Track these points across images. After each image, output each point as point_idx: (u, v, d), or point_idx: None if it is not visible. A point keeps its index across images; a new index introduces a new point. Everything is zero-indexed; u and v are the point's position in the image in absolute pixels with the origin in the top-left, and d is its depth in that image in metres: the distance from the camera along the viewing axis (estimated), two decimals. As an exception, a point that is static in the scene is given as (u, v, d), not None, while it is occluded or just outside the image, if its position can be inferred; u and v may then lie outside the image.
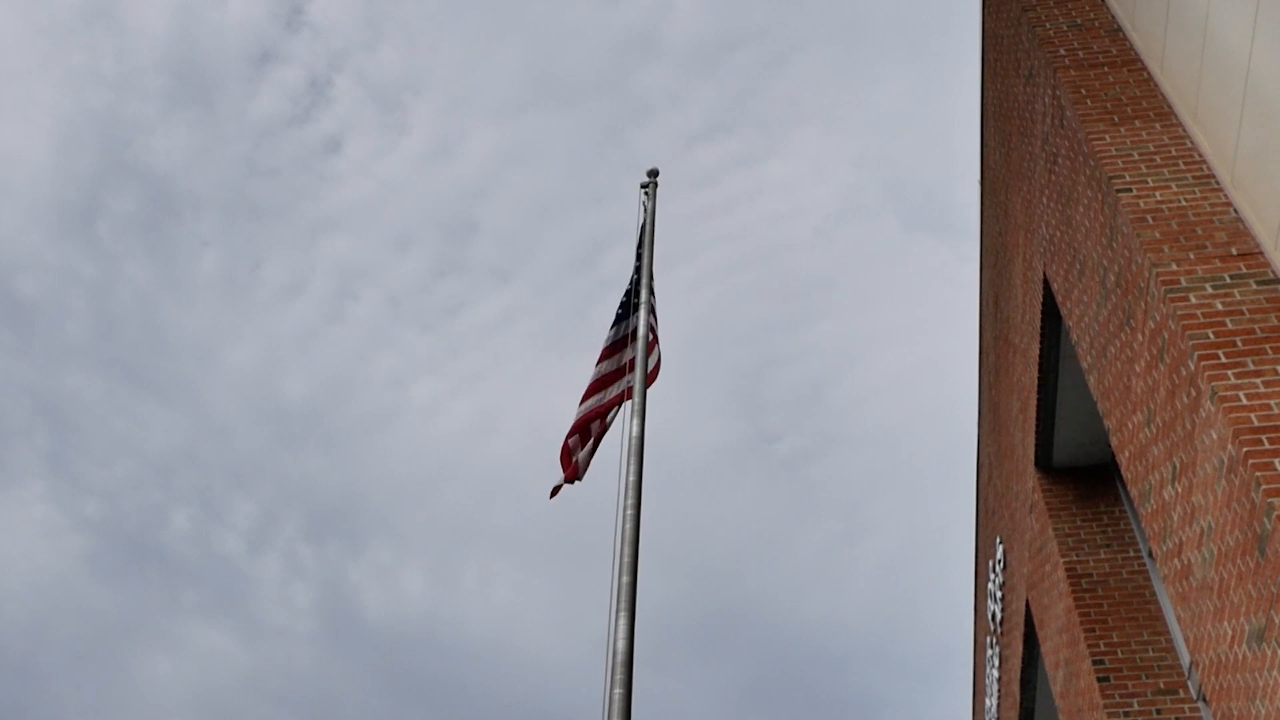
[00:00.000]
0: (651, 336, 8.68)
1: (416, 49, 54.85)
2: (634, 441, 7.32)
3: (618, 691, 5.70)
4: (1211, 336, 5.16)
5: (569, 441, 8.65)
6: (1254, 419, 4.73)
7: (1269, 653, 4.50)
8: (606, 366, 8.88)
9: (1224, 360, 5.03)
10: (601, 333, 9.21)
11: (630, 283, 9.24)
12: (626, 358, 8.78)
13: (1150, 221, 5.92)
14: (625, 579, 6.28)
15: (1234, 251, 5.62)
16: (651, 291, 8.90)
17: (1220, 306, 5.31)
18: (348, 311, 55.98)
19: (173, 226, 51.28)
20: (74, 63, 48.03)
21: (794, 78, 57.14)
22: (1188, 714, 7.63)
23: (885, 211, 57.45)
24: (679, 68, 56.94)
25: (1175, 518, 5.58)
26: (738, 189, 57.28)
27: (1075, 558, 8.71)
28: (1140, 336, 5.92)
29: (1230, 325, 5.21)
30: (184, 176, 51.10)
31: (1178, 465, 5.45)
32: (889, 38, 55.49)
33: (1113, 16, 7.91)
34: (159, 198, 50.47)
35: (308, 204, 54.97)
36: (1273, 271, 5.45)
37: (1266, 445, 4.61)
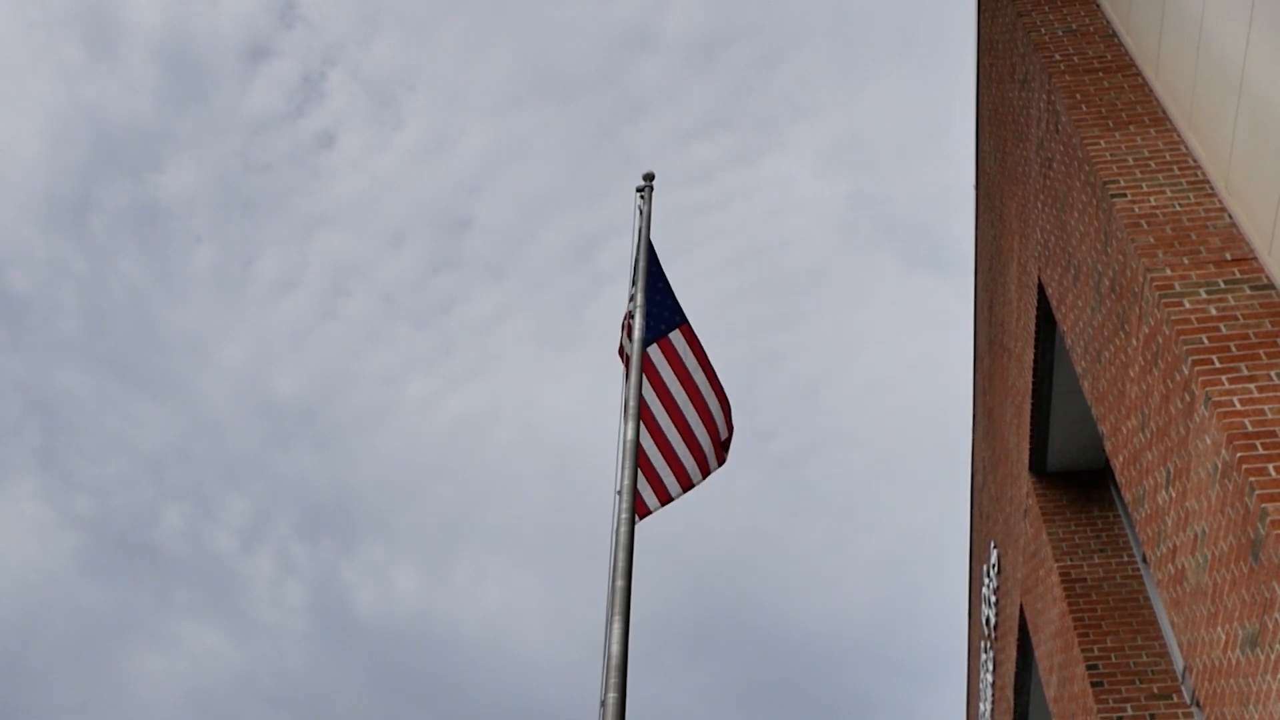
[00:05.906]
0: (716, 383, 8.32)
1: (411, 44, 54.80)
2: (628, 445, 7.29)
3: (612, 695, 5.69)
4: (1205, 342, 5.17)
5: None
6: (1248, 424, 4.74)
7: (1262, 658, 4.51)
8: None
9: (1218, 365, 5.03)
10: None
11: (631, 296, 8.99)
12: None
13: (1145, 226, 5.93)
14: (620, 583, 6.26)
15: (1228, 256, 5.62)
16: (650, 289, 8.76)
17: (1214, 312, 5.32)
18: (341, 308, 55.92)
19: (165, 221, 51.18)
20: (67, 56, 47.92)
21: (790, 74, 57.21)
22: (1181, 719, 7.64)
23: (880, 210, 57.55)
24: (675, 63, 56.99)
25: (1169, 523, 5.58)
26: (733, 185, 57.32)
27: (1069, 562, 8.72)
28: (1134, 341, 5.92)
29: (1224, 330, 5.21)
30: (177, 171, 51.02)
31: (1172, 470, 5.45)
32: (885, 37, 55.60)
33: (1108, 22, 7.93)
34: (151, 193, 50.39)
35: (301, 199, 54.90)
36: (1267, 277, 5.46)
37: (1260, 451, 4.61)
